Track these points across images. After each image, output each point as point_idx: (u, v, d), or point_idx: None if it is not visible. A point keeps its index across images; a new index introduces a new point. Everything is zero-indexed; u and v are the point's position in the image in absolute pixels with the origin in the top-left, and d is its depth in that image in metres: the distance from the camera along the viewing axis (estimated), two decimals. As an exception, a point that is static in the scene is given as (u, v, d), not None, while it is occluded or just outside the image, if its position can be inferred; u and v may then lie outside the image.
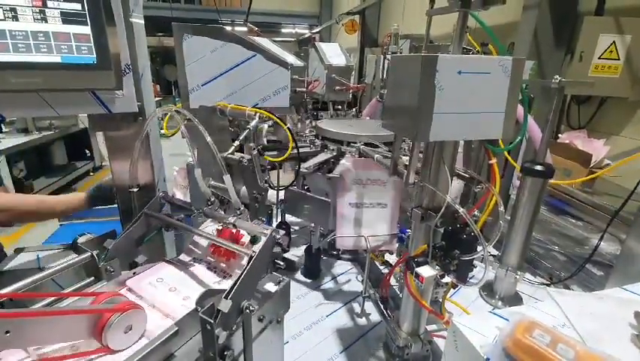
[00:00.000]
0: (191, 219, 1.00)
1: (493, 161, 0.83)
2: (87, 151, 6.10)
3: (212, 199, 0.92)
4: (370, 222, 1.25)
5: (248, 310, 0.68)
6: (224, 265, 0.87)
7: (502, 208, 0.80)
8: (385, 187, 1.21)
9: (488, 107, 0.78)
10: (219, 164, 0.88)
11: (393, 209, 1.24)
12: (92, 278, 0.83)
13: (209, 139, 0.87)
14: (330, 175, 1.23)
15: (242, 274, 0.69)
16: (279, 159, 1.15)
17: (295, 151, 1.11)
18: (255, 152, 1.07)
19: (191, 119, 0.88)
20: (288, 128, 1.08)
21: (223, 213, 0.92)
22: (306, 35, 9.18)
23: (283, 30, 10.85)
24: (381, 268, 1.56)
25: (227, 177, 0.89)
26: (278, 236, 0.79)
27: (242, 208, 0.91)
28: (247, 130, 1.07)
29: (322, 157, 1.32)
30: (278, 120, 1.07)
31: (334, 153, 1.34)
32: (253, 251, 0.74)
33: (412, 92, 0.75)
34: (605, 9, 2.45)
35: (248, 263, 0.72)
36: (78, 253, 0.84)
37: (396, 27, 1.96)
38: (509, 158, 1.37)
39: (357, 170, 1.19)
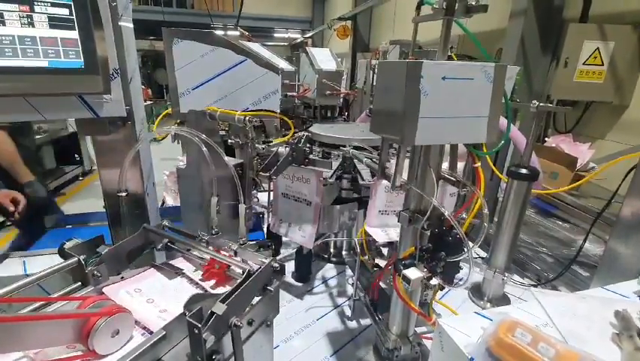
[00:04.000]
0: (182, 223, 1.00)
1: (477, 165, 0.85)
2: (76, 155, 6.01)
3: (217, 230, 0.92)
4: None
5: (235, 327, 0.68)
6: (211, 287, 0.85)
7: (486, 211, 0.82)
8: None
9: (472, 112, 0.80)
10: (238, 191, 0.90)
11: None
12: (79, 283, 0.83)
13: (226, 158, 0.89)
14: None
15: (238, 285, 0.69)
16: (284, 139, 1.15)
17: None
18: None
19: (210, 143, 0.89)
20: (280, 113, 1.08)
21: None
22: (298, 40, 9.22)
23: (276, 34, 10.88)
24: (371, 271, 1.57)
25: (242, 207, 0.89)
26: (276, 265, 0.80)
27: (244, 239, 0.91)
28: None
29: (334, 166, 1.34)
30: (269, 113, 1.07)
31: (340, 160, 1.35)
32: (251, 267, 0.75)
33: (398, 97, 0.76)
34: (589, 16, 2.52)
35: (246, 278, 0.72)
36: (65, 258, 0.83)
37: (384, 45, 1.99)
38: (493, 167, 1.39)
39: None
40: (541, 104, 1.18)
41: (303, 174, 1.21)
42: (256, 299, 0.77)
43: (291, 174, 1.24)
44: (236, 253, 0.85)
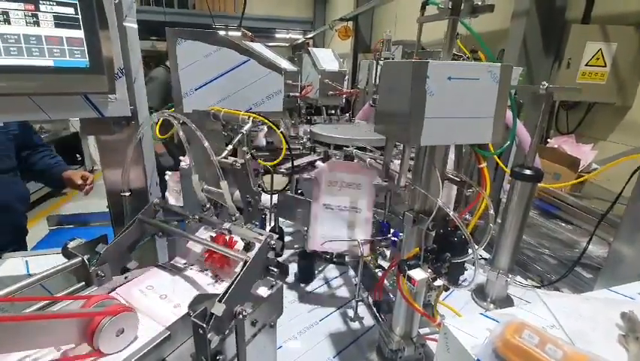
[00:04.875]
0: (185, 224, 0.99)
1: (483, 165, 0.84)
2: (78, 155, 6.03)
3: (208, 205, 0.92)
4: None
5: (241, 316, 0.68)
6: (217, 272, 0.87)
7: (492, 211, 0.82)
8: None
9: (477, 112, 0.79)
10: (216, 169, 0.88)
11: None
12: (82, 283, 0.83)
13: (206, 144, 0.87)
14: (305, 177, 1.23)
15: (236, 278, 0.69)
16: (272, 163, 1.15)
17: (288, 154, 1.12)
18: (249, 156, 1.07)
19: (187, 124, 0.88)
20: (281, 132, 1.09)
21: (217, 218, 0.92)
22: (300, 40, 9.24)
23: (277, 35, 10.89)
24: (374, 271, 1.57)
25: (223, 183, 0.89)
26: (272, 241, 0.79)
27: (237, 215, 0.91)
28: (240, 134, 1.08)
29: (307, 159, 1.33)
30: (271, 124, 1.08)
31: (321, 156, 1.35)
32: (247, 256, 0.75)
33: (403, 97, 0.76)
34: (591, 17, 2.52)
35: (242, 268, 0.72)
36: (68, 258, 0.83)
37: (388, 33, 1.99)
38: (499, 162, 1.39)
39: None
40: (550, 85, 1.14)
41: (354, 180, 1.18)
42: (260, 298, 0.77)
43: (339, 181, 1.19)
44: (230, 232, 0.85)
